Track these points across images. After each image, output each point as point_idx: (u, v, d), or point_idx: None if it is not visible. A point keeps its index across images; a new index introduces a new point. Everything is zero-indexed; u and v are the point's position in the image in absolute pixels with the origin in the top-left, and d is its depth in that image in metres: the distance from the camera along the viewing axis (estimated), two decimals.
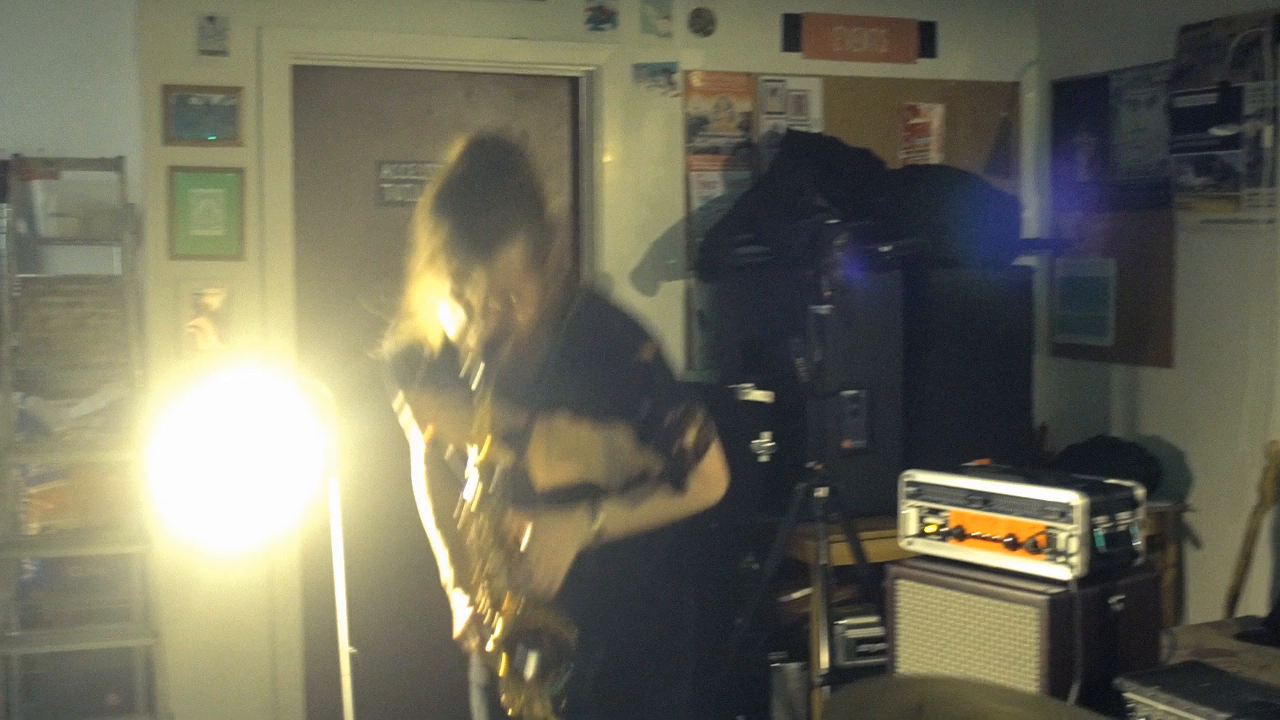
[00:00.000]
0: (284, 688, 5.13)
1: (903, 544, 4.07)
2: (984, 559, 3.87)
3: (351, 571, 4.21)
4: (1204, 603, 5.24)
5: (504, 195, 2.71)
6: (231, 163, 5.04)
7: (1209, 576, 5.23)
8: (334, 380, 4.31)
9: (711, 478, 3.01)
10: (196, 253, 5.01)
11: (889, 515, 4.22)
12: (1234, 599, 4.85)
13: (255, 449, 4.09)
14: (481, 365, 2.75)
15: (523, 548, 2.79)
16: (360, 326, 5.07)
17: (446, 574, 3.05)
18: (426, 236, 2.73)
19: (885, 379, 5.10)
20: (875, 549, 4.53)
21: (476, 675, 3.10)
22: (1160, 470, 5.38)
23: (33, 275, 4.97)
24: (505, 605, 2.78)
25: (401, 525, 3.48)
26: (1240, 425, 5.08)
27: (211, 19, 4.97)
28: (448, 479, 3.05)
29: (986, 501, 3.89)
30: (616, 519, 2.89)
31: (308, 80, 5.20)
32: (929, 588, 3.91)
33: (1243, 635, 4.35)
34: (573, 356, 2.88)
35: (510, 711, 2.78)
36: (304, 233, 5.20)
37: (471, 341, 2.75)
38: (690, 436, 2.95)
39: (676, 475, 2.96)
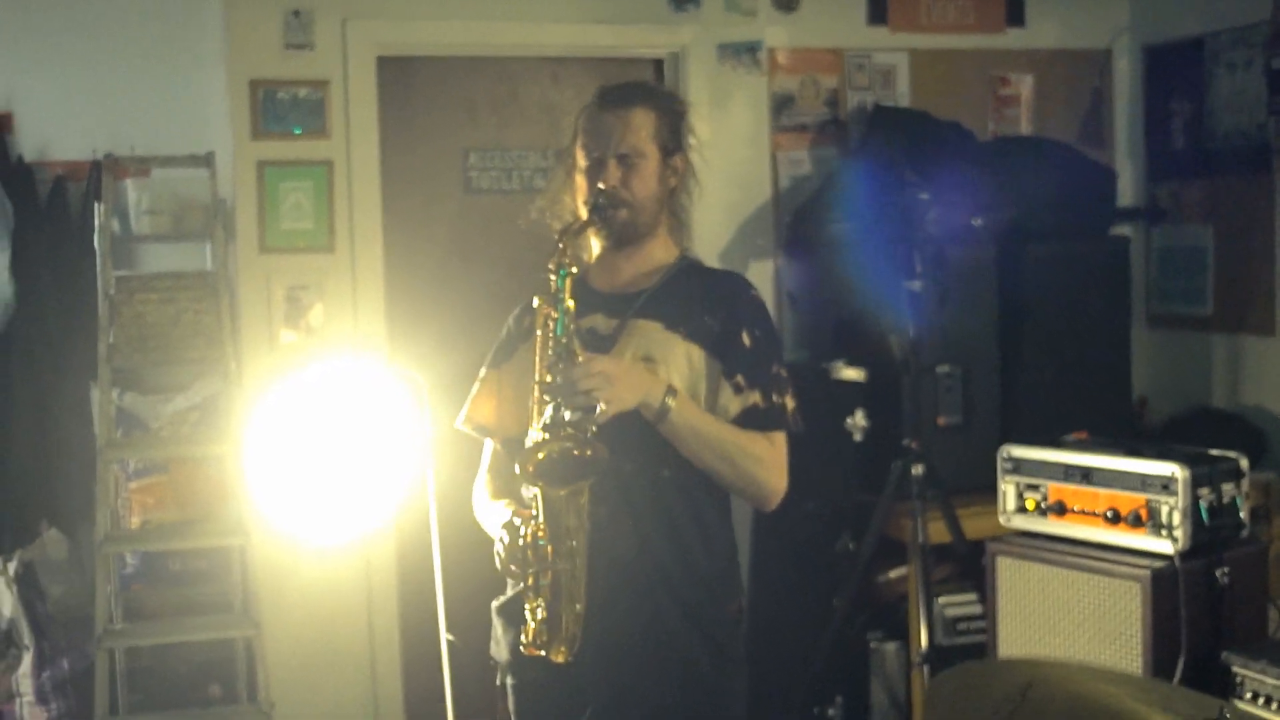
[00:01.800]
0: (383, 676, 5.17)
1: (1001, 520, 4.03)
2: (1085, 534, 3.83)
3: (447, 561, 4.22)
4: None
5: (645, 84, 3.18)
6: (319, 155, 5.08)
7: None
8: (427, 370, 4.32)
9: (779, 465, 2.95)
10: (287, 246, 5.06)
11: (986, 492, 4.17)
12: None
13: (351, 440, 4.11)
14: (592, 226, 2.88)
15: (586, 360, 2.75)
16: (452, 315, 5.16)
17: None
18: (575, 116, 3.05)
19: (980, 354, 5.04)
20: (973, 526, 4.48)
21: (499, 651, 3.02)
22: (1264, 440, 5.28)
23: (128, 273, 5.03)
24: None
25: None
26: None
27: (297, 13, 5.00)
28: (512, 490, 2.97)
29: (1086, 475, 3.84)
30: (688, 412, 2.82)
31: (393, 71, 5.22)
32: (1029, 564, 3.87)
33: None
34: (679, 279, 2.99)
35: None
36: (393, 223, 5.23)
37: (591, 191, 2.91)
38: (791, 401, 2.93)
39: (763, 422, 2.90)
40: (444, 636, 4.19)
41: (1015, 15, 5.89)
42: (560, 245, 2.80)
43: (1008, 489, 4.02)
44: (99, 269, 4.88)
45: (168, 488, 5.09)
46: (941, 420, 4.91)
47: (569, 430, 2.69)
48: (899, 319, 4.49)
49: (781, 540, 5.00)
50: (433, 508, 4.17)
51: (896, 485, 4.45)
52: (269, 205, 5.02)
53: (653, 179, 2.95)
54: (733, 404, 2.90)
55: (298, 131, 5.03)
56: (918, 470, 4.41)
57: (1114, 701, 1.88)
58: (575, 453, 2.67)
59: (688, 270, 3.04)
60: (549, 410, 2.72)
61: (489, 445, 3.11)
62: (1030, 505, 3.96)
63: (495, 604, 3.02)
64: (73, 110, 5.08)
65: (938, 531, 4.49)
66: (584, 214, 2.92)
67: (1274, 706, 3.34)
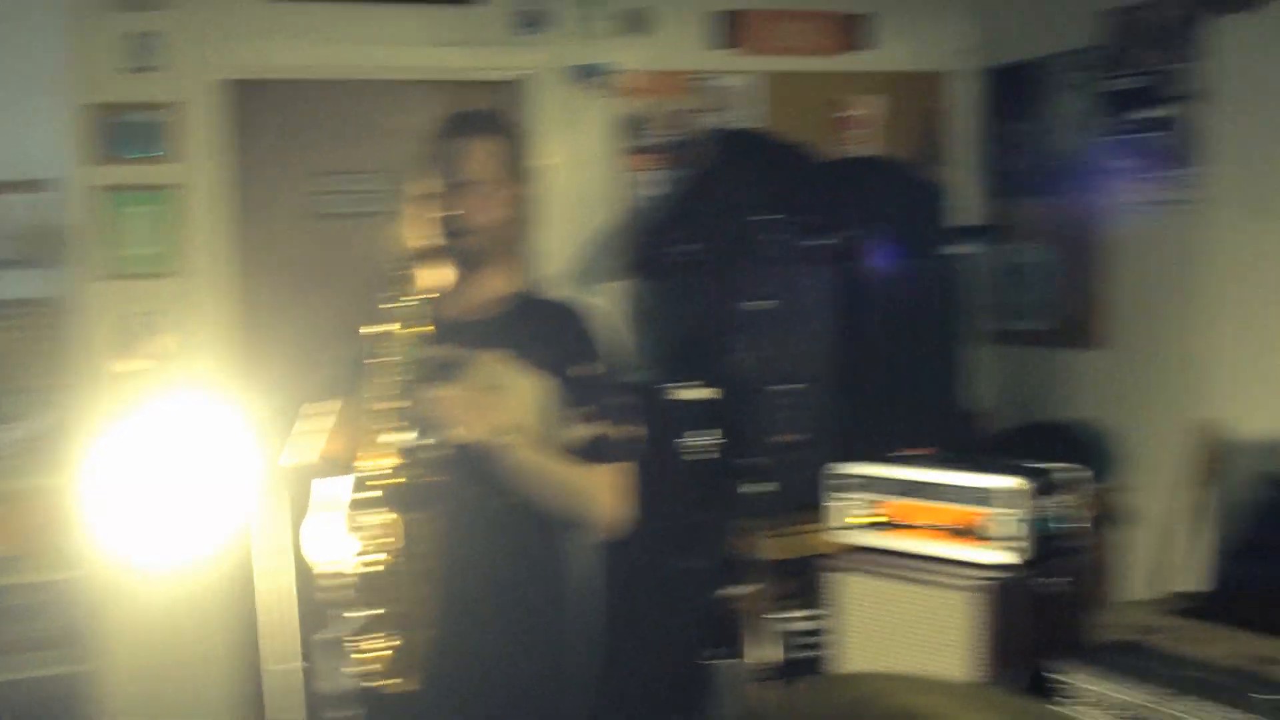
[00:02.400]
0: (228, 708, 5.10)
1: (829, 536, 4.09)
2: (923, 548, 3.90)
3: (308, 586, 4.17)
4: (1140, 581, 5.29)
5: (494, 113, 3.20)
6: (167, 180, 5.03)
7: (1146, 555, 5.28)
8: (279, 395, 4.29)
9: (621, 495, 3.00)
10: (132, 272, 4.99)
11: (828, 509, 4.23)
12: (1170, 576, 4.89)
13: (191, 470, 4.07)
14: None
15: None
16: (305, 341, 5.11)
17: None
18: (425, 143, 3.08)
19: (822, 373, 5.11)
20: (814, 543, 4.54)
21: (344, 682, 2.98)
22: (1099, 452, 5.43)
23: None
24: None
25: None
26: (1176, 404, 5.12)
27: (144, 34, 4.95)
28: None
29: (924, 490, 3.91)
30: (530, 450, 2.86)
31: (242, 94, 5.19)
32: (868, 579, 3.94)
33: (1180, 611, 4.39)
34: (522, 308, 3.04)
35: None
36: (244, 248, 5.19)
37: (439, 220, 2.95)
38: (635, 427, 2.99)
39: (606, 454, 2.96)
40: (270, 668, 4.14)
41: (862, 38, 6.00)
42: (407, 272, 2.82)
43: (846, 505, 4.08)
44: None
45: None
46: (786, 438, 4.98)
47: (422, 456, 2.71)
48: (742, 339, 4.55)
49: (624, 560, 5.03)
50: (286, 535, 4.13)
51: (739, 503, 4.50)
52: (112, 231, 4.95)
53: (500, 207, 3.00)
54: (574, 437, 2.94)
55: (144, 155, 4.97)
56: (760, 488, 4.47)
57: (947, 711, 1.93)
58: (430, 480, 2.70)
59: (530, 299, 3.10)
60: (400, 437, 2.73)
61: (317, 485, 3.08)
62: (868, 521, 4.02)
63: (336, 634, 3.01)
64: None
65: (779, 548, 4.55)
66: (432, 241, 2.94)
67: (1104, 712, 3.44)
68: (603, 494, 2.96)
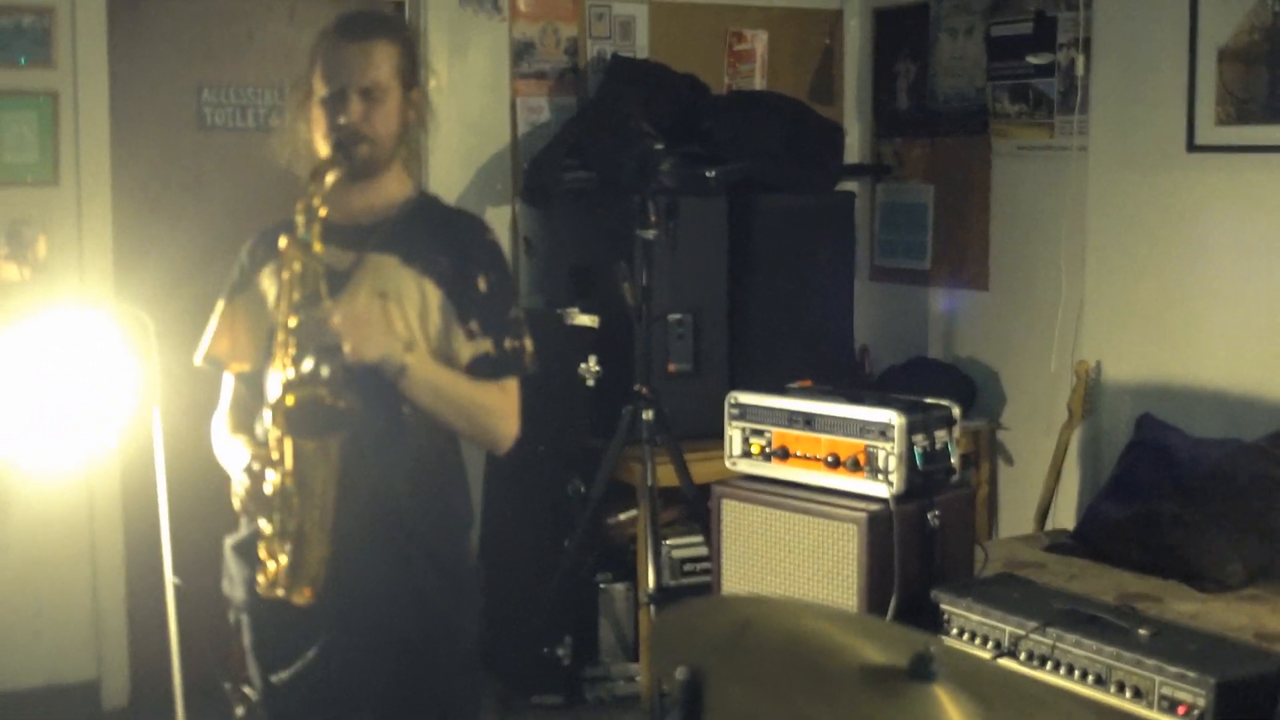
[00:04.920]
0: (107, 618, 5.06)
1: (728, 464, 4.14)
2: (807, 478, 3.96)
3: (175, 499, 4.16)
4: (1015, 517, 5.43)
5: (385, 15, 3.15)
6: (44, 86, 4.90)
7: (1020, 492, 5.41)
8: (157, 307, 4.24)
9: (512, 412, 2.98)
10: (8, 179, 4.87)
11: (715, 438, 4.27)
12: (1044, 513, 5.02)
13: (71, 379, 4.02)
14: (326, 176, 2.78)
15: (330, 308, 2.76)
16: (183, 252, 5.05)
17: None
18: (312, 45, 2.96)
19: (710, 303, 5.18)
20: (701, 470, 4.61)
21: (233, 590, 2.99)
22: (976, 390, 5.55)
23: None
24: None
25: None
26: (1051, 346, 5.24)
27: None
28: (249, 425, 2.96)
29: (809, 422, 3.97)
30: (424, 369, 2.84)
31: (124, 2, 5.06)
32: (753, 507, 3.99)
33: (1052, 547, 4.51)
34: (416, 214, 2.97)
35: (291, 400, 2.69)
36: (122, 158, 5.07)
37: (331, 125, 2.86)
38: (527, 344, 2.98)
39: (496, 369, 2.94)
40: (170, 580, 4.13)
41: None
42: (310, 188, 2.78)
43: (734, 434, 4.13)
44: None
45: None
46: (672, 367, 5.03)
47: (320, 378, 2.69)
48: (632, 268, 4.57)
49: (513, 482, 5.06)
50: (159, 449, 4.10)
51: (627, 430, 4.54)
52: None
53: (394, 113, 2.92)
54: (465, 350, 2.91)
55: (22, 61, 4.84)
56: (648, 415, 4.51)
57: (829, 636, 1.96)
58: (326, 402, 2.68)
59: (424, 206, 3.04)
60: (296, 356, 2.71)
61: (228, 379, 3.07)
62: (755, 450, 4.07)
63: (229, 542, 3.00)
64: None
65: (666, 475, 4.59)
66: (324, 150, 2.89)
67: (977, 641, 3.53)
68: (495, 412, 2.94)
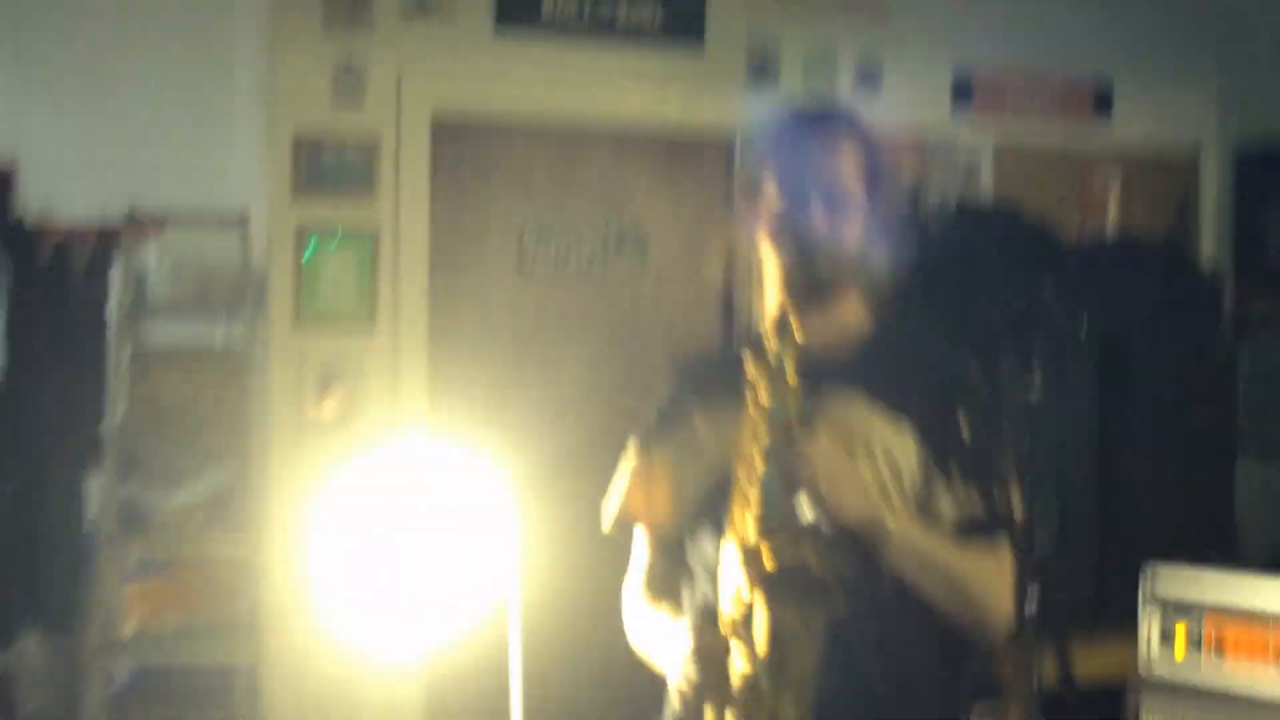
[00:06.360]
0: None
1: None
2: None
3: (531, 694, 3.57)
4: None
5: (843, 111, 2.66)
6: (365, 222, 4.56)
7: None
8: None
9: (1006, 579, 2.41)
10: (325, 322, 4.52)
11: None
12: None
13: (413, 540, 3.49)
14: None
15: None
16: (503, 404, 4.62)
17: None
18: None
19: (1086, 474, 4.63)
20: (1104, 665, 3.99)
21: None
22: None
23: (141, 347, 4.48)
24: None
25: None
26: None
27: (348, 67, 4.50)
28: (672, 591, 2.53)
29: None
30: (909, 530, 2.33)
31: (447, 136, 4.71)
32: None
33: None
34: (881, 349, 2.48)
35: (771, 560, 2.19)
36: (439, 300, 4.72)
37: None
38: (1016, 496, 2.43)
39: (986, 531, 2.38)
40: None
41: (1103, 109, 5.53)
42: (786, 312, 2.30)
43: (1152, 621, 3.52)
44: (110, 341, 4.34)
45: (169, 591, 4.49)
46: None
47: (804, 534, 2.20)
48: (1018, 435, 4.04)
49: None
50: (515, 644, 3.50)
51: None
52: (307, 275, 4.48)
53: (856, 226, 2.45)
54: (948, 508, 2.38)
55: (342, 194, 4.51)
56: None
57: None
58: (813, 563, 2.16)
59: (891, 335, 2.54)
60: (765, 512, 2.21)
61: (640, 540, 2.63)
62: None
63: None
64: (82, 163, 4.54)
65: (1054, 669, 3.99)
66: (776, 268, 2.44)
67: None
68: (991, 585, 2.40)
